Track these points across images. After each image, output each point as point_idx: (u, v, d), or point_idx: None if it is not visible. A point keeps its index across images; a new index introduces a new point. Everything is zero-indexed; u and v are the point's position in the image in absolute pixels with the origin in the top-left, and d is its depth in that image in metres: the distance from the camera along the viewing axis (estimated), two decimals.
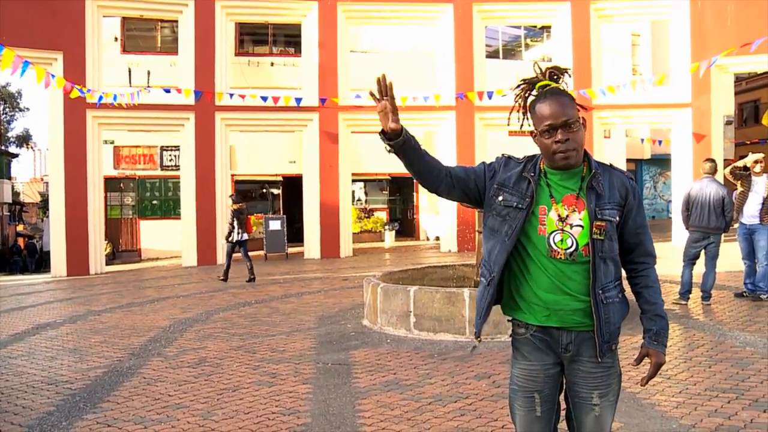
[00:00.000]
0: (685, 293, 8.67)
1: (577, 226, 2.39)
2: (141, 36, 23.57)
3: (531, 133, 2.50)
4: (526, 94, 2.57)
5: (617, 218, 2.43)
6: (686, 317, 7.87)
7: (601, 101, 17.90)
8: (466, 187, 2.55)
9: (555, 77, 2.54)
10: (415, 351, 6.60)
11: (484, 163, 2.61)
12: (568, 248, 2.38)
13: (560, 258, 2.39)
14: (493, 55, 25.40)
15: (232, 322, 8.80)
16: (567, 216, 2.40)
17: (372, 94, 2.48)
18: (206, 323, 8.78)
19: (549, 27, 21.87)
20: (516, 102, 2.59)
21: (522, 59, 27.39)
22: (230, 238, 13.30)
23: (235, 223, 13.21)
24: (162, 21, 22.51)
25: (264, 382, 5.69)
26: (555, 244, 2.39)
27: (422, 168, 2.52)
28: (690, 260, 8.74)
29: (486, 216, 2.55)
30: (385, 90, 2.44)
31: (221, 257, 18.01)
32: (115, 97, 15.62)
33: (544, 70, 2.55)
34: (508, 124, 2.65)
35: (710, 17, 18.00)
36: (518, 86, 2.61)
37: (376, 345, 6.99)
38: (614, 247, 2.44)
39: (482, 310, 2.52)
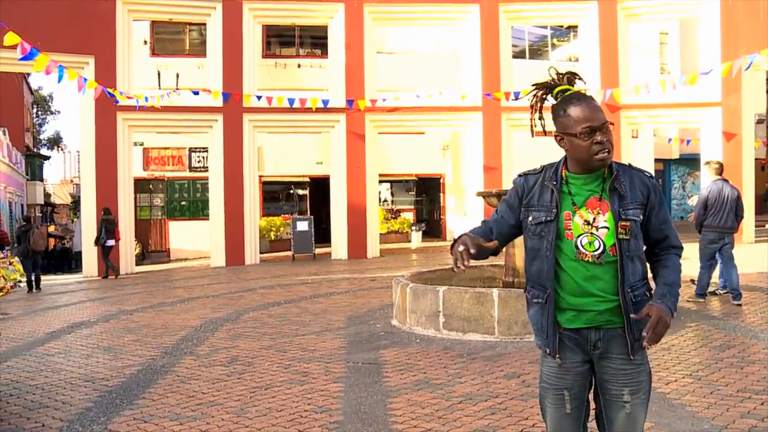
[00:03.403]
0: (702, 294, 8.80)
1: (603, 228, 2.45)
2: (170, 39, 23.85)
3: (556, 135, 2.54)
4: (544, 98, 2.64)
5: (641, 217, 2.48)
6: (717, 318, 7.81)
7: (628, 101, 17.78)
8: (508, 232, 2.66)
9: (571, 82, 2.59)
10: (444, 351, 6.64)
11: (504, 200, 2.69)
12: (596, 250, 2.44)
13: (588, 260, 2.45)
14: (519, 55, 25.30)
15: (262, 321, 8.91)
16: (594, 219, 2.46)
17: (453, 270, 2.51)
18: (237, 323, 8.89)
19: (576, 26, 21.73)
20: (533, 105, 2.67)
21: (549, 59, 27.22)
22: (99, 242, 16.53)
23: (103, 231, 16.36)
24: (190, 24, 22.76)
25: (295, 380, 5.77)
26: (583, 247, 2.45)
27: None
28: (708, 261, 8.82)
29: (525, 238, 2.62)
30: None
31: (249, 258, 18.22)
32: (146, 99, 15.95)
33: (561, 75, 2.60)
34: (532, 130, 2.72)
35: (741, 13, 17.74)
36: (534, 91, 2.67)
37: (405, 345, 7.04)
38: (640, 246, 2.50)
39: (548, 327, 2.53)
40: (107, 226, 16.45)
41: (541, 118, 2.67)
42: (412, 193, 26.63)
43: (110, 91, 14.54)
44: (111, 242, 16.68)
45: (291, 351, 6.99)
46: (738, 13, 17.80)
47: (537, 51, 27.61)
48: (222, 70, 17.97)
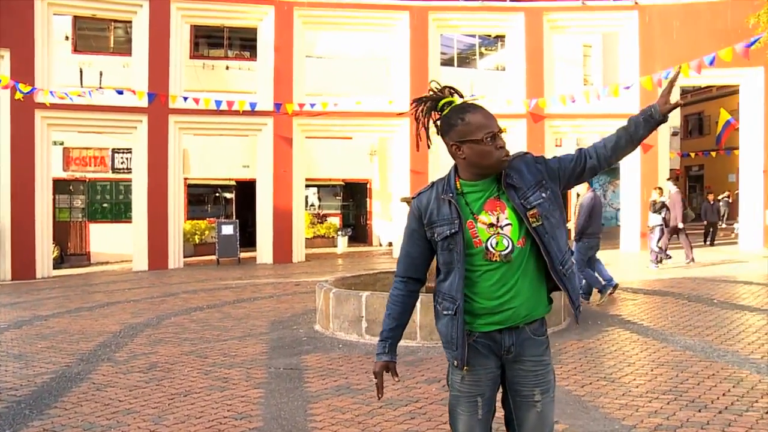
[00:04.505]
0: (602, 289, 9.48)
1: (506, 225, 2.49)
2: (93, 36, 23.15)
3: (453, 145, 2.55)
4: (430, 111, 2.68)
5: (544, 196, 2.52)
6: (631, 323, 8.09)
7: (553, 110, 18.28)
8: (425, 257, 2.66)
9: (454, 95, 2.64)
10: (366, 356, 6.65)
11: (407, 230, 2.67)
12: (505, 249, 2.47)
13: (495, 260, 2.47)
14: (447, 62, 25.64)
15: (183, 326, 8.73)
16: (497, 219, 2.49)
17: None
18: (157, 328, 8.69)
19: (503, 36, 22.19)
20: (420, 117, 2.69)
21: (476, 68, 27.73)
22: None
23: None
24: (115, 21, 22.14)
25: (216, 386, 5.68)
26: (493, 248, 2.47)
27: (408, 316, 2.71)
28: (587, 265, 9.52)
29: (437, 256, 2.61)
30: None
31: (173, 262, 17.85)
32: (71, 99, 15.47)
33: (443, 88, 2.66)
34: (419, 144, 2.74)
35: (657, 31, 18.55)
36: (418, 103, 2.71)
37: (328, 350, 7.02)
38: (553, 223, 2.52)
39: (458, 338, 2.51)
40: None
41: (427, 130, 2.70)
42: (339, 197, 26.64)
43: (21, 87, 13.96)
44: None
45: (212, 356, 6.88)
46: (654, 31, 18.58)
47: (465, 59, 28.06)
48: (148, 70, 17.56)
